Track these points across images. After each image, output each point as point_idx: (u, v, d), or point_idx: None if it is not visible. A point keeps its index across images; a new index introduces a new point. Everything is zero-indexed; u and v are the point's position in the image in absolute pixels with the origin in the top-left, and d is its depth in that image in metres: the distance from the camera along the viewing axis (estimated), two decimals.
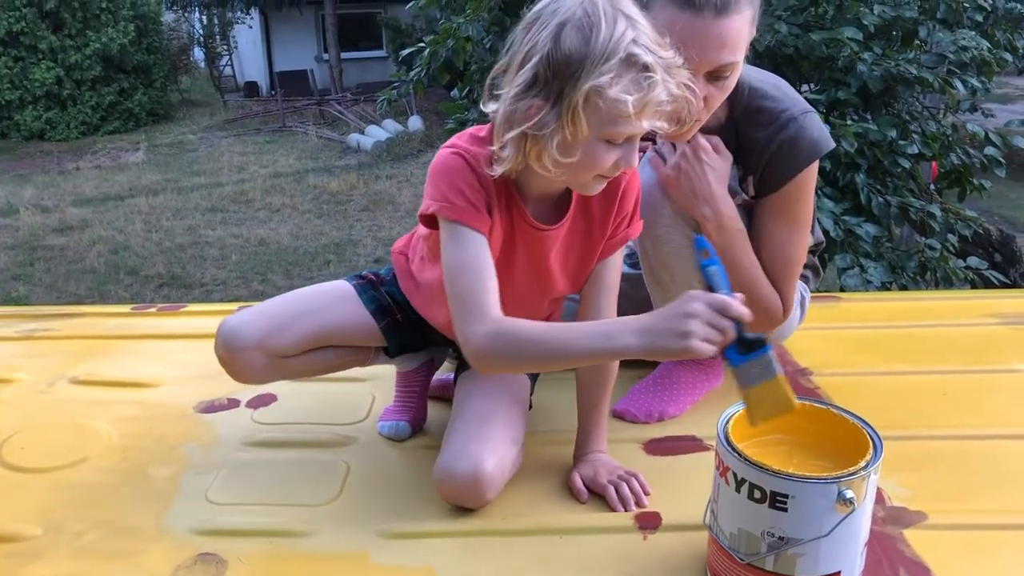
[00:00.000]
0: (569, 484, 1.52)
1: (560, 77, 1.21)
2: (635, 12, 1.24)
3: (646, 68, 1.20)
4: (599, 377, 1.55)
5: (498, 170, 1.32)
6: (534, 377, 1.70)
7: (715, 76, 1.44)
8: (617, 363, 1.55)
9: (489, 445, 1.46)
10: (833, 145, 1.60)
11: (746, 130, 1.57)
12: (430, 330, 1.66)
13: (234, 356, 1.53)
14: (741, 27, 1.41)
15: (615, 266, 1.53)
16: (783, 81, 1.62)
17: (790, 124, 1.53)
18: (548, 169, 1.29)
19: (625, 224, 1.49)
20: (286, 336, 1.54)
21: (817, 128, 1.55)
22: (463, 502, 1.47)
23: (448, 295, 1.36)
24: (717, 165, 1.54)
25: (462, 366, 1.70)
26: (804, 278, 1.83)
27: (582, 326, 1.33)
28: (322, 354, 1.61)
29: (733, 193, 1.59)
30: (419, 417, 1.75)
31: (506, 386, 1.58)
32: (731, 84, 1.48)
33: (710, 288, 1.22)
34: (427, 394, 1.79)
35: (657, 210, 1.59)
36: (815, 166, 1.58)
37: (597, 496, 1.50)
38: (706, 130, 1.58)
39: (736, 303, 1.18)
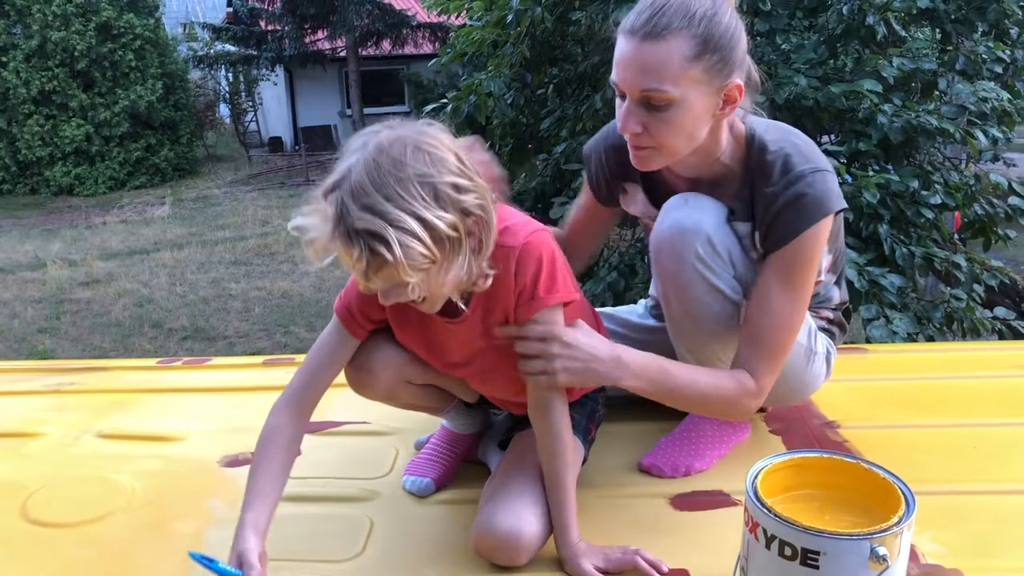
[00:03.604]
0: None
1: None
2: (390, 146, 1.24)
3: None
4: (545, 461, 1.48)
5: None
6: (590, 442, 1.68)
7: (647, 103, 1.44)
8: (570, 459, 1.48)
9: (539, 509, 1.45)
10: (843, 205, 1.55)
11: (758, 183, 1.55)
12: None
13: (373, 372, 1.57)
14: (668, 56, 1.40)
15: None
16: (801, 136, 1.59)
17: (799, 181, 1.49)
18: None
19: (527, 298, 1.39)
20: (420, 365, 1.59)
21: (827, 187, 1.51)
22: (496, 559, 1.45)
23: None
24: (581, 336, 1.43)
25: (516, 425, 1.70)
26: (831, 334, 1.81)
27: None
28: (428, 390, 1.65)
29: (747, 249, 1.57)
30: (445, 477, 1.73)
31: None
32: (673, 120, 1.44)
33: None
34: (462, 460, 1.77)
35: (682, 259, 1.58)
36: (822, 228, 1.51)
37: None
38: (720, 180, 1.58)
39: (256, 571, 1.28)
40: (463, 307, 1.39)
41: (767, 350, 1.51)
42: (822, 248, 1.55)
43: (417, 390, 1.63)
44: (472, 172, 1.28)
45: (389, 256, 1.17)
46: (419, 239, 1.18)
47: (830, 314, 1.79)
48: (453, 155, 1.26)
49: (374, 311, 1.48)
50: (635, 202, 1.76)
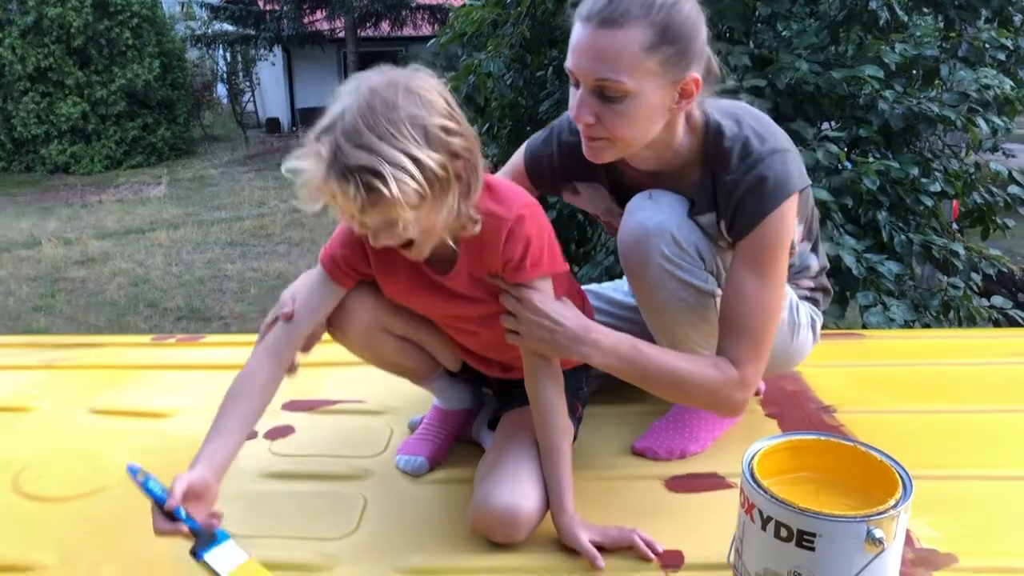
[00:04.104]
0: (583, 552, 1.41)
1: None
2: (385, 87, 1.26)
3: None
4: (539, 430, 1.49)
5: None
6: (578, 420, 1.67)
7: (600, 93, 1.42)
8: (564, 427, 1.49)
9: (535, 483, 1.45)
10: (806, 184, 1.52)
11: (718, 172, 1.52)
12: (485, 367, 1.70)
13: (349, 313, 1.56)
14: (624, 45, 1.37)
15: None
16: (759, 117, 1.55)
17: (758, 165, 1.47)
18: None
19: (513, 268, 1.42)
20: (399, 313, 1.59)
21: (787, 168, 1.48)
22: (494, 535, 1.44)
23: None
24: (555, 305, 1.43)
25: (506, 404, 1.69)
26: (814, 300, 1.79)
27: None
28: (409, 348, 1.66)
29: (714, 238, 1.55)
30: (438, 455, 1.73)
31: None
32: (627, 112, 1.42)
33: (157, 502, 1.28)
34: (455, 438, 1.77)
35: (648, 260, 1.55)
36: (786, 210, 1.48)
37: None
38: (680, 172, 1.56)
39: (174, 499, 1.25)
40: (454, 247, 1.40)
41: (747, 338, 1.48)
42: (790, 230, 1.52)
43: (396, 344, 1.63)
44: (460, 116, 1.31)
45: (385, 190, 1.20)
46: (411, 176, 1.21)
47: (811, 282, 1.78)
48: (442, 99, 1.29)
49: (360, 263, 1.48)
50: (591, 200, 1.75)
